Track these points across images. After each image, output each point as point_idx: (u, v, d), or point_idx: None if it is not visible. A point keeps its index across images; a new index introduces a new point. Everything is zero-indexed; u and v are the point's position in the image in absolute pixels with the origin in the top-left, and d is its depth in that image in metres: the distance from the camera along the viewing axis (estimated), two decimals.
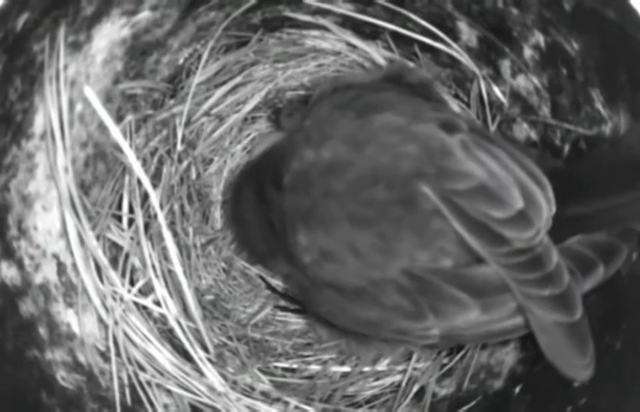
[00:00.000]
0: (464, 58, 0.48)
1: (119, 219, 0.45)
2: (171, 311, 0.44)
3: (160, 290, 0.44)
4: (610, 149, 0.37)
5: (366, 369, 0.49)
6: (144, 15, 0.42)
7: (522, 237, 0.34)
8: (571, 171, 0.38)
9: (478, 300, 0.35)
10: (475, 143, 0.36)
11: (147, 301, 0.44)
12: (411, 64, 0.52)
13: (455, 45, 0.48)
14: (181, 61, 0.50)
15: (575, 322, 0.34)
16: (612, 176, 0.35)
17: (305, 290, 0.40)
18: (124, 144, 0.39)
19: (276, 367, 0.50)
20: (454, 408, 0.46)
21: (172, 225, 0.49)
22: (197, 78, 0.49)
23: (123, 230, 0.45)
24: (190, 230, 0.51)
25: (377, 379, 0.50)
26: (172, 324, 0.44)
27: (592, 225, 0.36)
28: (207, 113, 0.51)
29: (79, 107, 0.40)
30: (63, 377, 0.38)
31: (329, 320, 0.42)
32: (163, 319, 0.45)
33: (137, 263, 0.45)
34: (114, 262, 0.44)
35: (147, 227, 0.46)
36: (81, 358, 0.40)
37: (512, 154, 0.36)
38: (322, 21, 0.51)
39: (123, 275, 0.44)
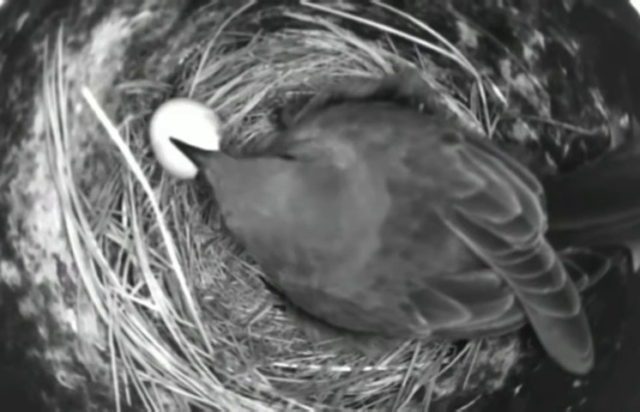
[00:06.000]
0: (464, 62, 0.49)
1: (119, 218, 0.45)
2: (169, 311, 0.44)
3: (158, 290, 0.44)
4: (603, 163, 0.38)
5: (366, 369, 0.49)
6: (144, 15, 0.42)
7: (521, 240, 0.36)
8: (564, 182, 0.39)
9: (469, 306, 0.37)
10: (472, 153, 0.37)
11: (147, 302, 0.44)
12: (411, 65, 0.52)
13: (454, 49, 0.48)
14: (181, 61, 0.50)
15: (574, 317, 0.36)
16: (603, 192, 0.36)
17: (304, 294, 0.40)
18: (122, 145, 0.39)
19: (276, 367, 0.50)
20: (454, 408, 0.46)
21: (171, 225, 0.49)
22: (197, 78, 0.49)
23: (122, 230, 0.45)
24: (190, 230, 0.51)
25: (376, 379, 0.50)
26: (168, 324, 0.44)
27: (582, 240, 0.37)
28: None
29: (78, 108, 0.40)
30: (63, 377, 0.38)
31: (327, 321, 0.42)
32: (163, 319, 0.45)
33: (137, 263, 0.45)
34: (114, 261, 0.44)
35: (146, 226, 0.47)
36: (81, 358, 0.40)
37: (508, 162, 0.37)
38: (322, 21, 0.51)
39: (122, 275, 0.44)
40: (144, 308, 0.45)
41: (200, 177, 0.43)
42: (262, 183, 0.34)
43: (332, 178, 0.35)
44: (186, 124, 0.44)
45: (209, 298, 0.52)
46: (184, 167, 0.42)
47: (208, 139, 0.44)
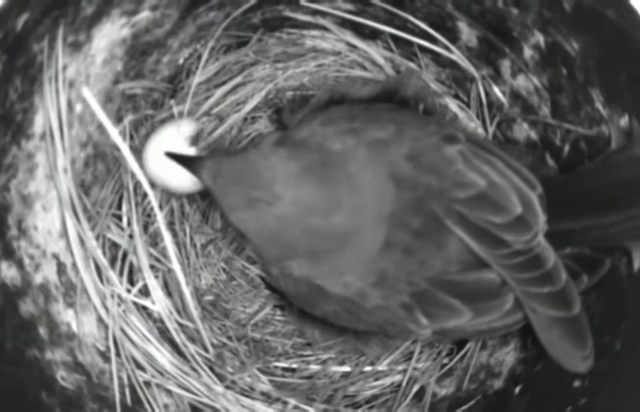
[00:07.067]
0: (463, 62, 0.49)
1: (119, 218, 0.45)
2: (169, 311, 0.44)
3: (158, 290, 0.44)
4: (602, 164, 0.38)
5: (366, 369, 0.49)
6: (144, 15, 0.42)
7: (522, 239, 0.36)
8: (564, 183, 0.39)
9: (470, 306, 0.37)
10: (473, 153, 0.37)
11: (147, 302, 0.44)
12: (411, 65, 0.52)
13: (454, 49, 0.48)
14: (181, 61, 0.50)
15: (574, 316, 0.36)
16: (603, 193, 0.37)
17: (305, 294, 0.40)
18: (122, 145, 0.39)
19: (276, 367, 0.50)
20: (454, 408, 0.46)
21: (171, 225, 0.49)
22: (197, 78, 0.49)
23: (122, 230, 0.45)
24: (190, 230, 0.51)
25: (377, 379, 0.50)
26: (168, 324, 0.44)
27: (581, 240, 0.37)
28: (207, 113, 0.51)
29: (78, 108, 0.40)
30: (63, 377, 0.38)
31: (328, 320, 0.42)
32: (163, 319, 0.45)
33: (137, 263, 0.45)
34: (114, 261, 0.44)
35: (146, 226, 0.47)
36: (81, 358, 0.40)
37: (507, 162, 0.37)
38: (322, 21, 0.51)
39: (122, 275, 0.44)
40: (144, 308, 0.45)
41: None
42: (257, 169, 0.34)
43: (325, 156, 0.35)
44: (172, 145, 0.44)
45: (209, 298, 0.52)
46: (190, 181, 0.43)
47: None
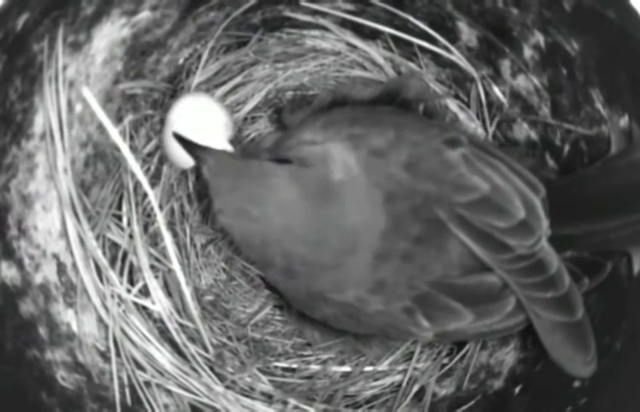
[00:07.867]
0: (463, 63, 0.49)
1: (119, 218, 0.45)
2: (169, 311, 0.44)
3: (159, 290, 0.44)
4: (602, 169, 0.37)
5: (366, 369, 0.49)
6: (144, 15, 0.42)
7: (525, 244, 0.36)
8: (564, 187, 0.39)
9: (471, 309, 0.37)
10: (476, 157, 0.37)
11: (147, 302, 0.44)
12: (411, 65, 0.52)
13: (454, 50, 0.48)
14: (181, 61, 0.50)
15: (577, 321, 0.36)
16: (603, 198, 0.36)
17: (305, 297, 0.40)
18: (122, 145, 0.39)
19: (276, 367, 0.50)
20: (454, 408, 0.46)
21: (171, 225, 0.49)
22: (197, 78, 0.49)
23: (122, 230, 0.45)
24: (190, 230, 0.51)
25: (376, 379, 0.50)
26: (168, 324, 0.44)
27: (582, 245, 0.37)
28: None
29: (78, 108, 0.40)
30: (63, 377, 0.38)
31: (329, 323, 0.42)
32: (163, 319, 0.45)
33: (137, 263, 0.45)
34: (114, 261, 0.44)
35: (146, 226, 0.47)
36: (81, 358, 0.40)
37: (510, 165, 0.37)
38: (322, 21, 0.51)
39: (122, 275, 0.44)
40: (144, 308, 0.45)
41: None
42: (254, 184, 0.34)
43: (324, 187, 0.35)
44: (202, 118, 0.45)
45: (209, 298, 0.52)
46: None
47: (217, 136, 0.45)
